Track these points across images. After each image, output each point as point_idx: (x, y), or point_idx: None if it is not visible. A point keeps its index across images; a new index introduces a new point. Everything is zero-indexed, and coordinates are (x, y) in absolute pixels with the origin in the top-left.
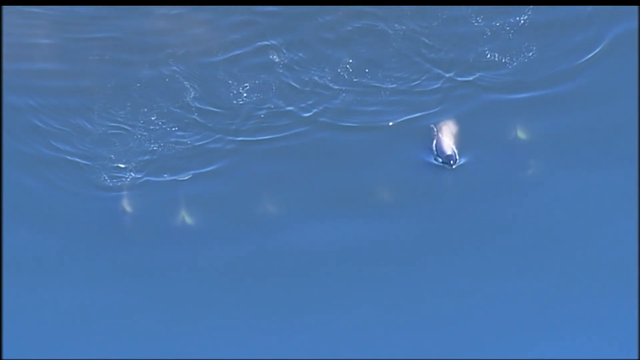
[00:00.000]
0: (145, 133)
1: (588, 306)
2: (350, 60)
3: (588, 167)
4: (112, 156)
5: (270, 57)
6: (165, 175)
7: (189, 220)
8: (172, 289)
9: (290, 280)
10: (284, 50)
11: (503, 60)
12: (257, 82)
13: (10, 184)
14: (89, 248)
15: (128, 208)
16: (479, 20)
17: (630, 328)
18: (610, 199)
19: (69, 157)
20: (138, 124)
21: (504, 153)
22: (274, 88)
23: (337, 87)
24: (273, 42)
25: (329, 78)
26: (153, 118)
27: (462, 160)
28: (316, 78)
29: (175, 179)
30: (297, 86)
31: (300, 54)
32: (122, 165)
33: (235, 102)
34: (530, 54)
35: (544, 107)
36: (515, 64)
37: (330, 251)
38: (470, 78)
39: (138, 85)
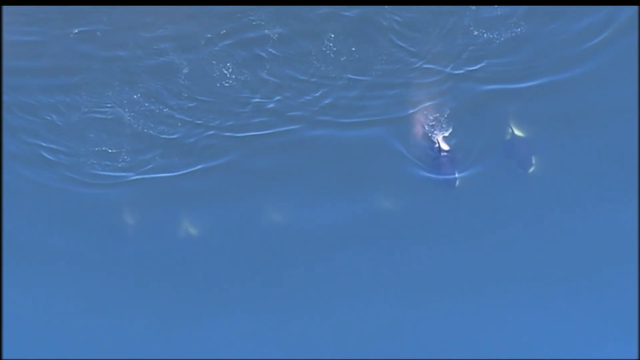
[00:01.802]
0: (132, 113)
1: (588, 306)
2: (335, 44)
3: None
4: (100, 141)
5: (259, 48)
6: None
7: (192, 231)
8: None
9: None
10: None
11: (491, 36)
12: (244, 61)
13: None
14: (92, 248)
15: (130, 220)
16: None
17: (630, 328)
18: (611, 196)
19: (56, 148)
20: (124, 104)
21: (503, 154)
22: (266, 69)
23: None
24: (262, 25)
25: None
26: (136, 96)
27: (463, 173)
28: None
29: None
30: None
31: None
32: (110, 150)
33: (219, 84)
34: (519, 29)
35: (541, 99)
36: (502, 39)
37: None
38: (461, 70)
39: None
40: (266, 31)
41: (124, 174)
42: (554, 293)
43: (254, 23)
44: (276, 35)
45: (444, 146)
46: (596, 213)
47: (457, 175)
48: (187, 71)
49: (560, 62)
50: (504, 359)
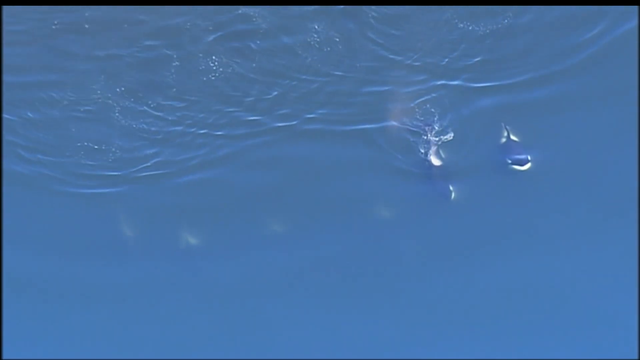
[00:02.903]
0: (119, 108)
1: (588, 306)
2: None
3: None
4: (85, 136)
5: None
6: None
7: (192, 240)
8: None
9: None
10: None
11: (476, 29)
12: (231, 56)
13: None
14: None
15: (129, 232)
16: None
17: (630, 328)
18: (610, 200)
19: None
20: (109, 97)
21: (498, 155)
22: (255, 62)
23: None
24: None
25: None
26: (120, 89)
27: (457, 185)
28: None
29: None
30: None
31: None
32: (96, 147)
33: (205, 78)
34: (506, 20)
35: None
36: (488, 31)
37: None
38: (456, 82)
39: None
40: (254, 24)
41: (113, 174)
42: (555, 293)
43: (241, 17)
44: (262, 30)
45: (436, 161)
46: (597, 220)
47: (451, 187)
48: (175, 68)
49: (555, 63)
50: (504, 359)
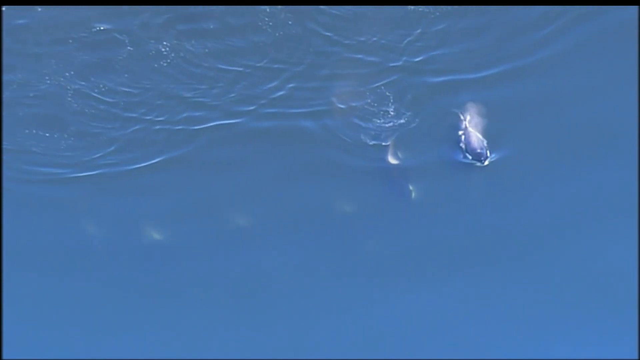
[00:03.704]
0: (71, 92)
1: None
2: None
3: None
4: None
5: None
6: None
7: (157, 236)
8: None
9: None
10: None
11: (427, 11)
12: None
13: None
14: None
15: (93, 230)
16: None
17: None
18: (579, 199)
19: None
20: (63, 85)
21: (458, 150)
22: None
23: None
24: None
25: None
26: (69, 73)
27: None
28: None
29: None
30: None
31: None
32: (47, 135)
33: (157, 64)
34: (474, 18)
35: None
36: (438, 14)
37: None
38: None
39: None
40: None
41: (66, 170)
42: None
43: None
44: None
45: (393, 160)
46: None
47: (411, 187)
48: (128, 52)
49: (516, 50)
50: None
